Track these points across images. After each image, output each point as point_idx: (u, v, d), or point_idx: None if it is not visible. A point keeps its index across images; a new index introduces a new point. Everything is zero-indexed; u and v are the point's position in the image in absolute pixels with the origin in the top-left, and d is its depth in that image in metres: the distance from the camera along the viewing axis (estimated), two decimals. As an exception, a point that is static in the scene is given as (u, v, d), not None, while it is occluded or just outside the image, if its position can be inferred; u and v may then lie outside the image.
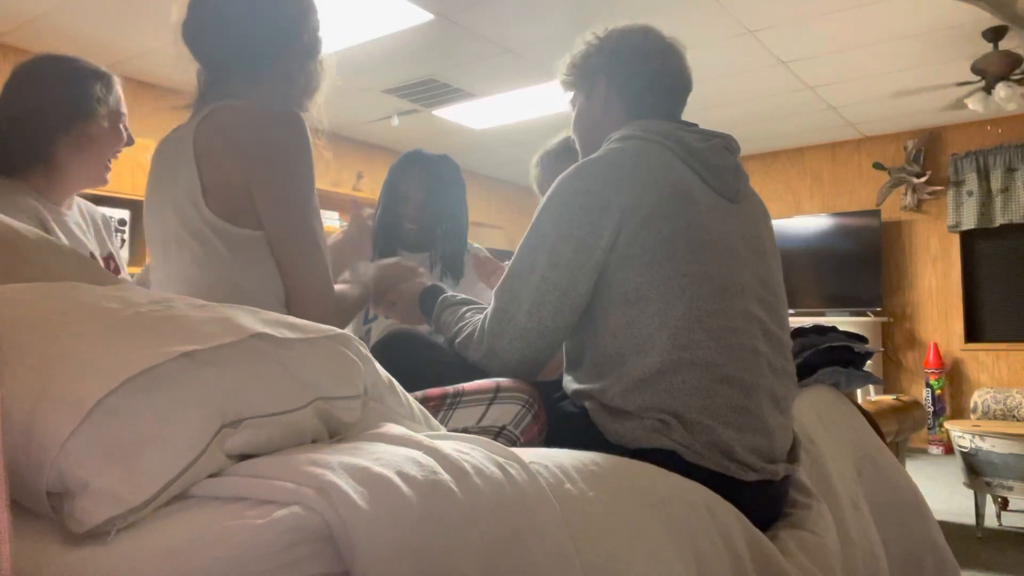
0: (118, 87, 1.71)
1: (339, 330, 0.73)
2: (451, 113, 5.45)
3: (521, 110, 5.36)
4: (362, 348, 0.75)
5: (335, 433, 0.72)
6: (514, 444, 1.07)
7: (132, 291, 0.72)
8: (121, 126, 1.70)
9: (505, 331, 1.19)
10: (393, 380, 0.80)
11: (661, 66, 1.33)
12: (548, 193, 1.20)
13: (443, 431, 0.88)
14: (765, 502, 1.16)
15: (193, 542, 0.52)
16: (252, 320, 0.67)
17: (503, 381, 1.12)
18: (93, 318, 0.63)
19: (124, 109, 1.71)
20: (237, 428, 0.61)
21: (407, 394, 0.83)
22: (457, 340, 1.28)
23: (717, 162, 1.24)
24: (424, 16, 3.82)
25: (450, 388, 1.10)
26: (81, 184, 1.67)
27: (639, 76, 1.33)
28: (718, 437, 1.08)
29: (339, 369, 0.70)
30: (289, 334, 0.68)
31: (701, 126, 1.32)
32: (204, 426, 0.58)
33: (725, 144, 1.29)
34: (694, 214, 1.16)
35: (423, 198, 2.04)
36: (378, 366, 0.78)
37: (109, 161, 1.68)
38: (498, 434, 1.06)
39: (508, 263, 1.30)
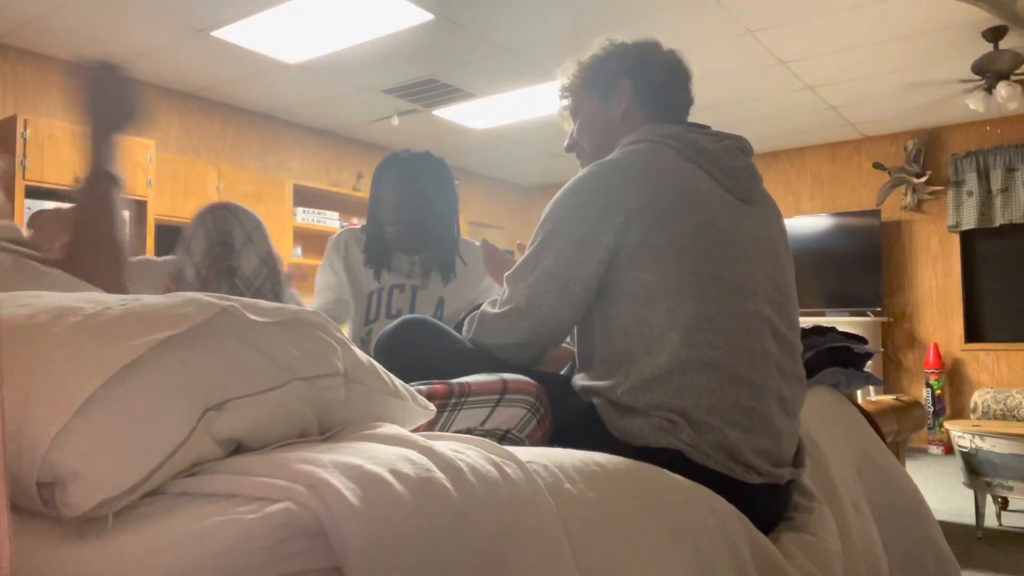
0: None
1: (311, 311, 0.74)
2: (451, 113, 5.45)
3: (521, 110, 5.35)
4: (336, 332, 0.76)
5: (323, 418, 0.72)
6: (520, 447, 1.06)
7: (99, 293, 0.73)
8: None
9: (506, 313, 1.23)
10: (374, 362, 0.80)
11: (683, 80, 1.37)
12: (561, 191, 1.23)
13: (435, 418, 0.88)
14: (768, 505, 1.15)
15: (186, 538, 0.53)
16: (218, 299, 0.68)
17: (510, 380, 1.10)
18: (65, 318, 0.64)
19: None
20: (222, 411, 0.62)
21: (390, 374, 0.82)
22: (466, 324, 1.31)
23: (730, 163, 1.25)
24: (424, 16, 3.82)
25: (455, 385, 1.08)
26: None
27: (665, 87, 1.35)
28: (725, 438, 1.08)
29: (313, 349, 0.71)
30: (259, 317, 0.69)
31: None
32: (189, 410, 0.60)
33: (738, 145, 1.29)
34: (705, 214, 1.16)
35: (396, 199, 2.02)
36: (356, 350, 0.78)
37: None
38: (502, 438, 1.05)
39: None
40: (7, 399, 0.57)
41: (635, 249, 1.14)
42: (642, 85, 1.35)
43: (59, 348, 0.60)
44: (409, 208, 2.02)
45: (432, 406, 0.88)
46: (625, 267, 1.15)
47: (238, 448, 0.67)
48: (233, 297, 0.71)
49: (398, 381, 0.83)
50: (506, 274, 1.26)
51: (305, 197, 5.70)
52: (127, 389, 0.57)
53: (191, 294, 0.69)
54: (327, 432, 0.73)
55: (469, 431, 1.04)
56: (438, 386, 1.08)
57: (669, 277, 1.12)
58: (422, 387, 1.08)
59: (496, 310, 1.24)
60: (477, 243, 2.18)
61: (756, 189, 1.28)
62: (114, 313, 0.64)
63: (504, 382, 1.10)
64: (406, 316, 1.32)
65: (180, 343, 0.62)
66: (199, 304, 0.66)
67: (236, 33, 4.04)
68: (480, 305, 1.37)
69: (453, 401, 1.07)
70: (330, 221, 5.78)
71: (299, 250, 5.69)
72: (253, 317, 0.68)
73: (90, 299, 0.68)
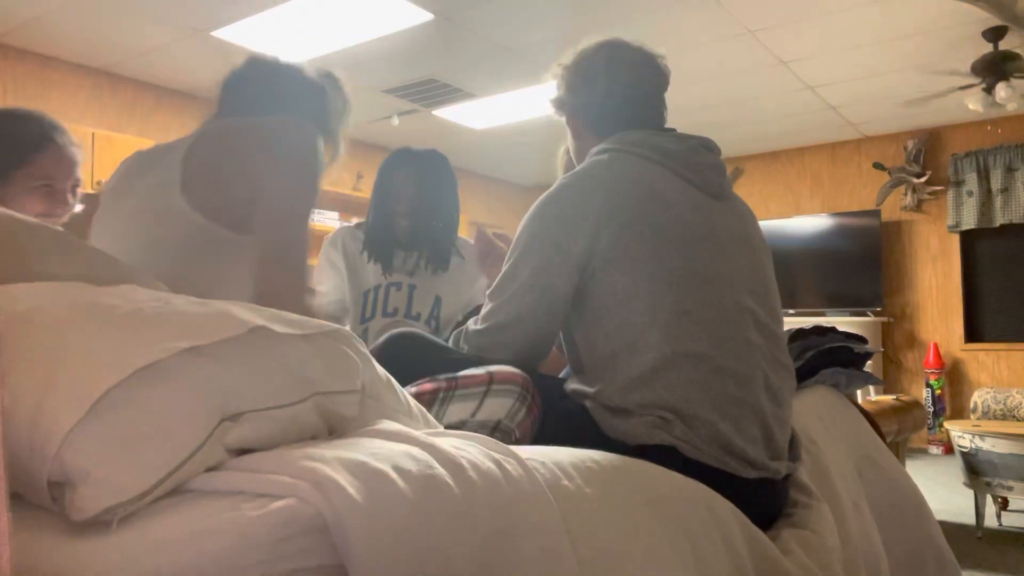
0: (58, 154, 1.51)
1: (337, 326, 0.74)
2: (451, 113, 5.45)
3: (521, 110, 5.35)
4: (360, 346, 0.76)
5: (334, 430, 0.72)
6: (510, 437, 1.07)
7: (132, 289, 0.73)
8: (50, 193, 1.49)
9: (489, 329, 1.25)
10: (391, 378, 0.81)
11: (608, 84, 1.36)
12: (532, 207, 1.27)
13: (440, 428, 0.88)
14: (766, 501, 1.16)
15: (190, 534, 0.53)
16: (251, 314, 0.68)
17: (496, 371, 1.12)
18: (95, 315, 0.64)
19: (55, 179, 1.51)
20: (237, 422, 0.62)
21: (405, 392, 0.83)
22: (451, 342, 1.34)
23: (697, 160, 1.27)
24: (424, 16, 3.82)
25: (443, 380, 1.10)
26: None
27: (592, 101, 1.38)
28: (717, 431, 1.09)
29: (337, 364, 0.71)
30: (287, 329, 0.68)
31: (700, 126, 1.33)
32: (204, 419, 0.59)
33: (703, 144, 1.32)
34: (673, 213, 1.19)
35: (414, 192, 2.02)
36: (376, 365, 0.78)
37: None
38: (494, 428, 1.07)
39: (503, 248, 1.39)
40: (25, 394, 0.56)
41: (608, 253, 1.16)
42: (577, 108, 1.40)
43: (81, 344, 0.60)
44: (427, 201, 2.03)
45: (440, 425, 0.89)
46: (600, 272, 1.17)
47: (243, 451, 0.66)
48: (262, 308, 0.71)
49: (413, 401, 0.84)
50: (487, 291, 1.29)
51: (305, 197, 5.69)
52: (145, 393, 0.57)
53: (226, 306, 0.68)
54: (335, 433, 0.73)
55: (462, 423, 1.06)
56: (426, 384, 1.10)
57: (645, 276, 1.15)
58: (411, 388, 1.09)
59: (479, 327, 1.26)
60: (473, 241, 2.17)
61: (726, 185, 1.31)
62: (144, 316, 0.64)
63: (490, 374, 1.11)
64: (395, 330, 1.33)
65: (203, 352, 0.61)
66: (230, 319, 0.65)
67: (236, 33, 4.04)
68: (468, 316, 1.37)
69: (441, 396, 1.08)
70: (330, 221, 5.77)
71: (299, 250, 5.68)
72: (281, 330, 0.68)
73: (125, 297, 0.68)
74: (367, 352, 0.77)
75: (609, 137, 1.32)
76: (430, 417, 0.87)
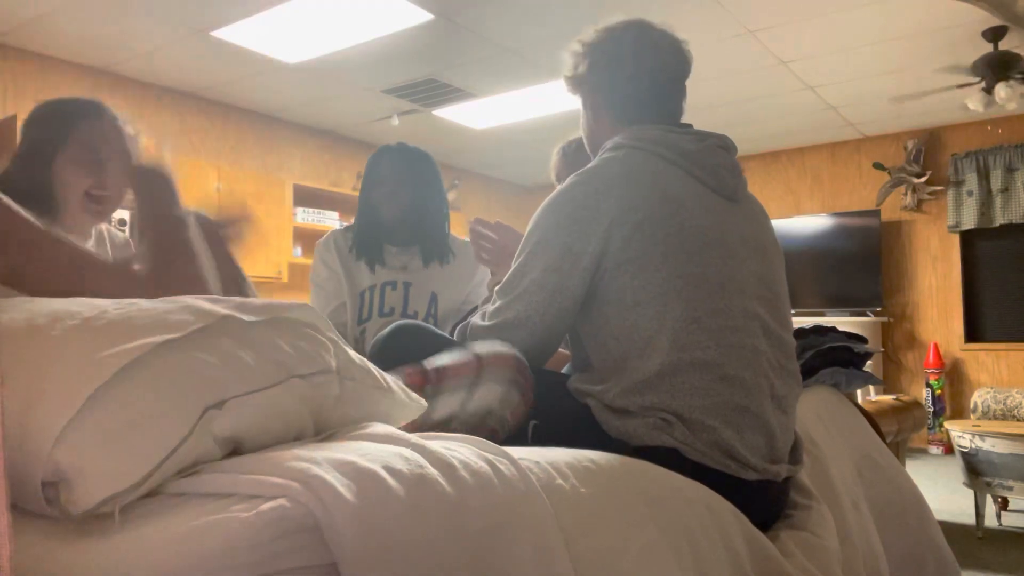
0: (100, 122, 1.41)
1: (303, 311, 0.75)
2: (451, 113, 5.45)
3: (521, 110, 5.35)
4: (329, 332, 0.77)
5: (319, 417, 0.73)
6: (503, 425, 1.05)
7: (92, 299, 0.74)
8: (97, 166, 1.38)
9: (496, 327, 1.23)
10: (367, 361, 0.81)
11: (637, 68, 1.31)
12: (543, 203, 1.24)
13: (425, 405, 0.88)
14: (766, 502, 1.16)
15: (181, 537, 0.53)
16: (216, 305, 0.70)
17: (485, 355, 1.09)
18: (64, 322, 0.65)
19: (102, 151, 1.40)
20: (221, 409, 0.63)
21: (384, 373, 0.83)
22: (456, 337, 1.31)
23: (713, 161, 1.25)
24: (424, 16, 3.82)
25: (431, 372, 1.06)
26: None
27: (617, 83, 1.33)
28: (719, 437, 1.09)
29: (306, 347, 0.72)
30: (252, 317, 0.70)
31: (700, 126, 1.32)
32: (188, 409, 0.61)
33: (720, 143, 1.29)
34: (687, 217, 1.17)
35: (398, 179, 2.05)
36: (349, 348, 0.79)
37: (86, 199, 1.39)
38: (486, 416, 1.04)
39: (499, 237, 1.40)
40: (9, 404, 0.57)
41: (620, 255, 1.15)
42: (600, 89, 1.35)
43: (58, 351, 0.61)
44: (410, 189, 2.04)
45: (423, 400, 0.88)
46: (611, 274, 1.16)
47: (236, 450, 0.67)
48: (224, 298, 0.72)
49: (388, 376, 0.84)
50: (496, 287, 1.26)
51: (305, 197, 5.70)
52: (127, 390, 0.58)
53: (188, 299, 0.69)
54: (322, 433, 0.74)
55: (452, 416, 1.03)
56: (413, 377, 1.06)
57: (655, 281, 1.13)
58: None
59: (486, 323, 1.23)
60: (466, 239, 2.17)
61: (740, 186, 1.29)
62: (111, 318, 0.65)
63: (479, 359, 1.07)
64: (399, 322, 1.32)
65: (177, 346, 0.63)
66: (196, 311, 0.67)
67: (236, 33, 4.04)
68: (469, 313, 1.36)
69: (429, 389, 1.05)
70: (330, 221, 5.77)
71: (299, 250, 5.69)
72: (244, 317, 0.69)
73: (86, 303, 0.70)
74: (336, 336, 0.78)
75: (625, 129, 1.28)
76: (412, 394, 0.86)
